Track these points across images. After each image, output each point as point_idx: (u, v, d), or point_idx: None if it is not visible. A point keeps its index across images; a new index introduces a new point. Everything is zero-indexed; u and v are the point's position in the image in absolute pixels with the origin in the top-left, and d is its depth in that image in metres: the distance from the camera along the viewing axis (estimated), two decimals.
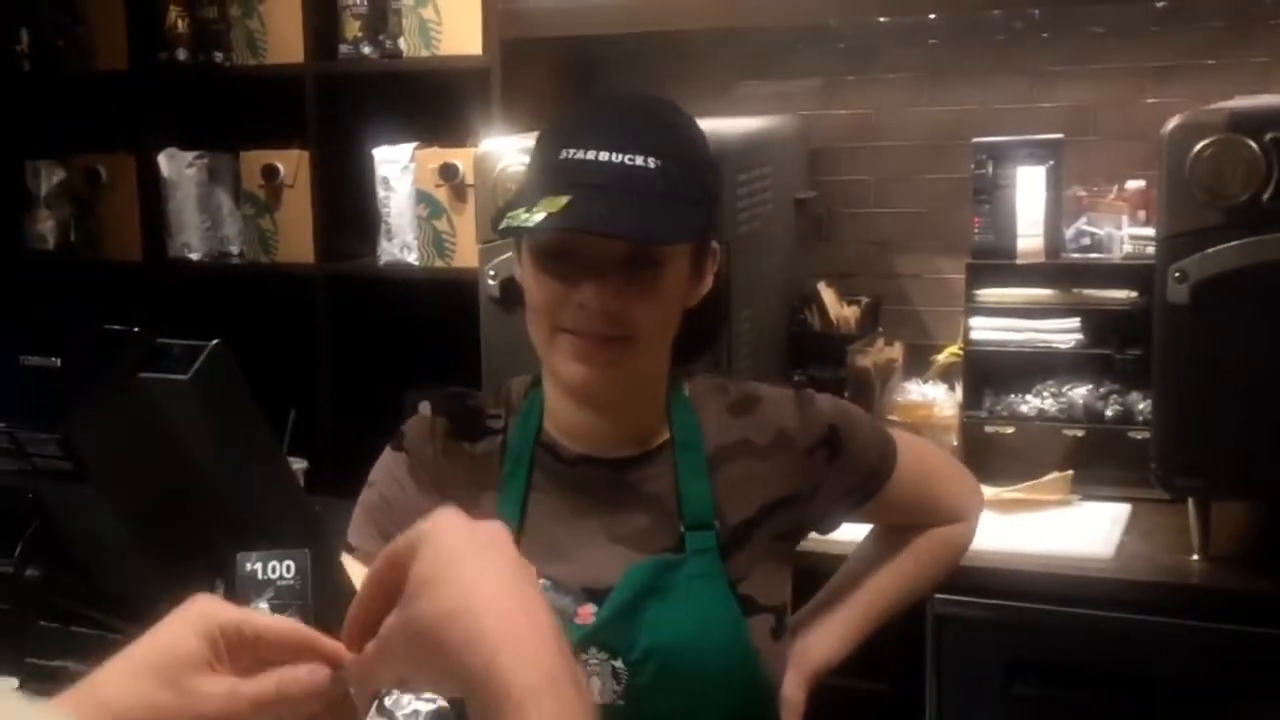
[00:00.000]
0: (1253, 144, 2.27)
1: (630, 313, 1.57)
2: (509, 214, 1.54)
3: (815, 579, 1.90)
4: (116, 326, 1.24)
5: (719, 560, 1.64)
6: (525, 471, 1.68)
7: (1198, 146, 2.30)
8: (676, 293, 1.63)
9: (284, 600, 1.24)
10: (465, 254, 3.15)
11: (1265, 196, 2.28)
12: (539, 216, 1.50)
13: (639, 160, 1.54)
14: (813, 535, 1.79)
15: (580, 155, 1.55)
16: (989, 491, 2.66)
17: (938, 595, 2.44)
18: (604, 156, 1.54)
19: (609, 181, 1.53)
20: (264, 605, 1.22)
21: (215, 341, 1.20)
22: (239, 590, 1.24)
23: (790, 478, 1.70)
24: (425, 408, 1.76)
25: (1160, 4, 2.95)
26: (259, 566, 1.24)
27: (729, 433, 1.70)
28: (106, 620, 1.39)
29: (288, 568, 1.24)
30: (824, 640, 1.82)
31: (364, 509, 1.73)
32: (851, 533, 1.89)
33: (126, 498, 1.27)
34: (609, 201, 1.52)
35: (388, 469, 1.74)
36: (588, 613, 1.61)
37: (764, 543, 1.68)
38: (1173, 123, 2.35)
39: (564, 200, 1.51)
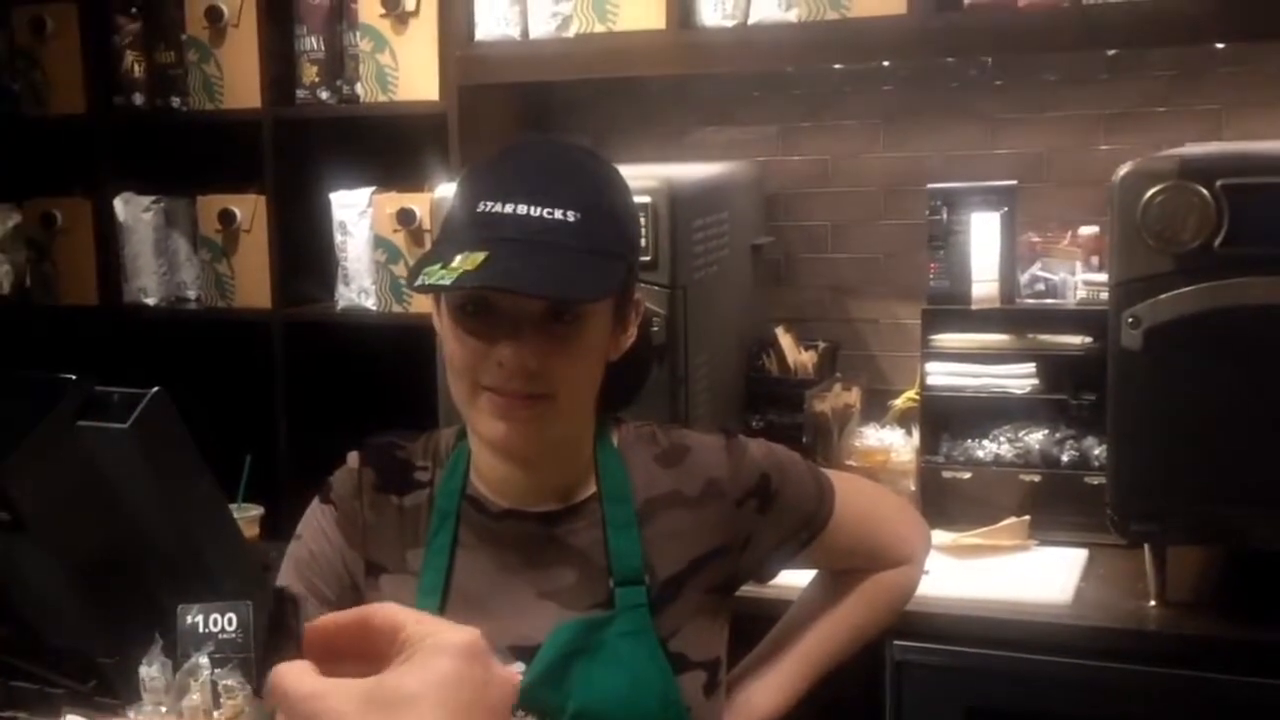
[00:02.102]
0: (1204, 191, 2.29)
1: (551, 370, 1.55)
2: (425, 269, 1.50)
3: (757, 626, 1.88)
4: (57, 374, 1.23)
5: (649, 616, 1.61)
6: (452, 526, 1.65)
7: (1149, 193, 2.31)
8: (598, 347, 1.60)
9: (225, 654, 1.22)
10: (423, 299, 3.14)
11: (1216, 243, 2.29)
12: (456, 274, 1.46)
13: (558, 214, 1.51)
14: (753, 582, 1.78)
15: (498, 209, 1.52)
16: (947, 537, 2.67)
17: (896, 641, 2.44)
18: (522, 210, 1.51)
19: (527, 237, 1.50)
20: (204, 659, 1.21)
21: (155, 389, 1.18)
22: (179, 644, 1.22)
23: (721, 529, 1.68)
24: (353, 459, 1.74)
25: (1112, 52, 2.98)
26: (200, 619, 1.22)
27: (658, 484, 1.68)
28: (47, 674, 1.37)
29: (229, 620, 1.23)
30: (768, 690, 1.80)
31: (291, 561, 1.70)
32: (794, 579, 1.88)
33: (65, 548, 1.26)
34: (527, 258, 1.49)
35: (315, 521, 1.71)
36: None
37: (696, 596, 1.66)
38: (1124, 169, 2.37)
39: (481, 256, 1.47)
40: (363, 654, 0.79)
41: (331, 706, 0.74)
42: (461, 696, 0.75)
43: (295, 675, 0.77)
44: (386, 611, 0.80)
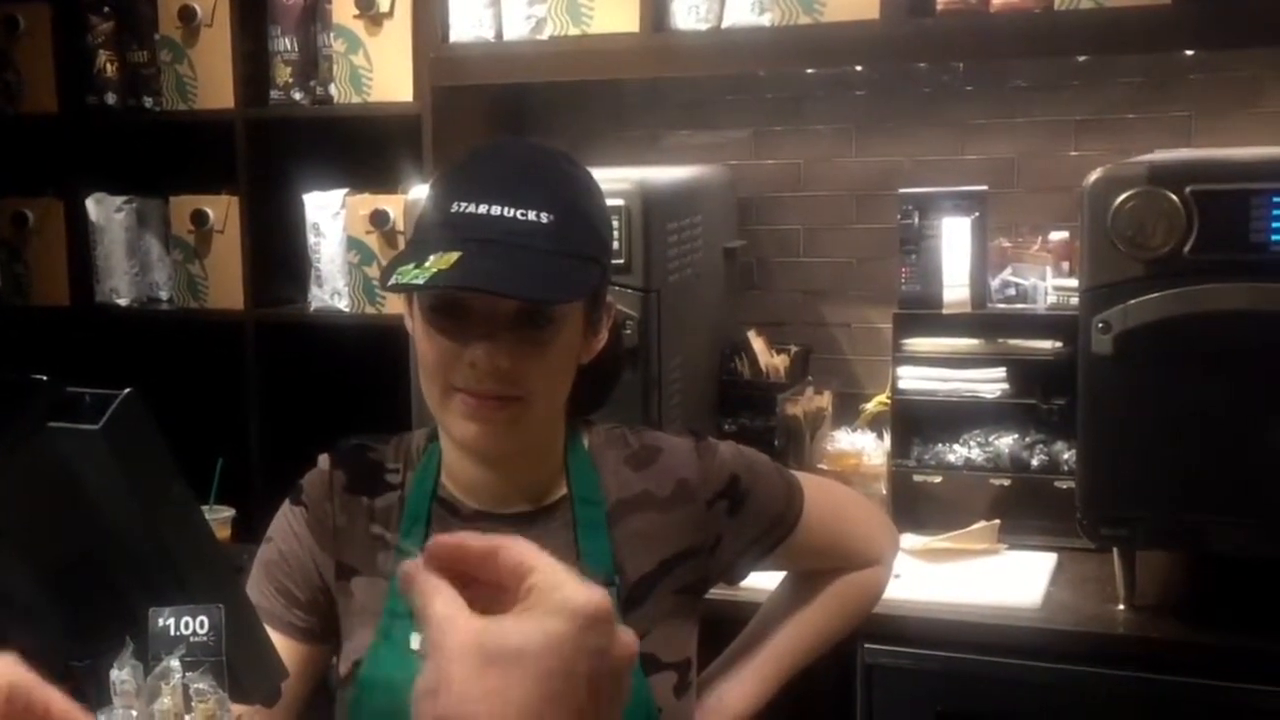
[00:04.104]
0: (1173, 196, 2.30)
1: (523, 371, 1.55)
2: (399, 269, 1.50)
3: (727, 628, 1.89)
4: (28, 374, 1.22)
5: (619, 617, 1.62)
6: (423, 529, 1.65)
7: (1119, 199, 2.33)
8: (570, 350, 1.60)
9: (197, 657, 1.22)
10: (396, 301, 3.13)
11: (1186, 249, 2.31)
12: (429, 273, 1.46)
13: (531, 215, 1.51)
14: (723, 584, 1.78)
15: (471, 209, 1.52)
16: (917, 541, 2.68)
17: (867, 645, 2.45)
18: (496, 211, 1.51)
19: (500, 237, 1.50)
20: (176, 662, 1.20)
21: (127, 390, 1.17)
22: (151, 647, 1.22)
23: (692, 530, 1.68)
24: (324, 461, 1.74)
25: (1082, 59, 3.00)
26: (171, 622, 1.22)
27: (629, 485, 1.68)
28: None
29: (201, 623, 1.22)
30: (739, 690, 1.80)
31: (261, 564, 1.70)
32: (763, 581, 1.89)
33: (36, 552, 1.25)
34: (500, 259, 1.49)
35: (286, 523, 1.71)
36: None
37: (666, 597, 1.67)
38: (1094, 175, 2.38)
39: (454, 256, 1.47)
40: (487, 580, 0.79)
41: (449, 637, 0.74)
42: (570, 663, 0.75)
43: (447, 592, 0.77)
44: (517, 550, 0.79)
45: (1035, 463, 2.78)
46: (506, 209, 1.52)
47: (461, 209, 1.53)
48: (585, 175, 1.64)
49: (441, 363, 1.56)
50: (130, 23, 3.51)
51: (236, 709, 1.28)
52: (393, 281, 1.50)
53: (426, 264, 1.47)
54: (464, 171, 1.61)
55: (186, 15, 3.36)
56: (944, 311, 2.86)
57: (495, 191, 1.53)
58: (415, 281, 1.47)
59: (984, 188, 2.94)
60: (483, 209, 1.52)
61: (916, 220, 2.89)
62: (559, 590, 0.78)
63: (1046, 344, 2.79)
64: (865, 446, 2.99)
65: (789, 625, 1.84)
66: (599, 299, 1.64)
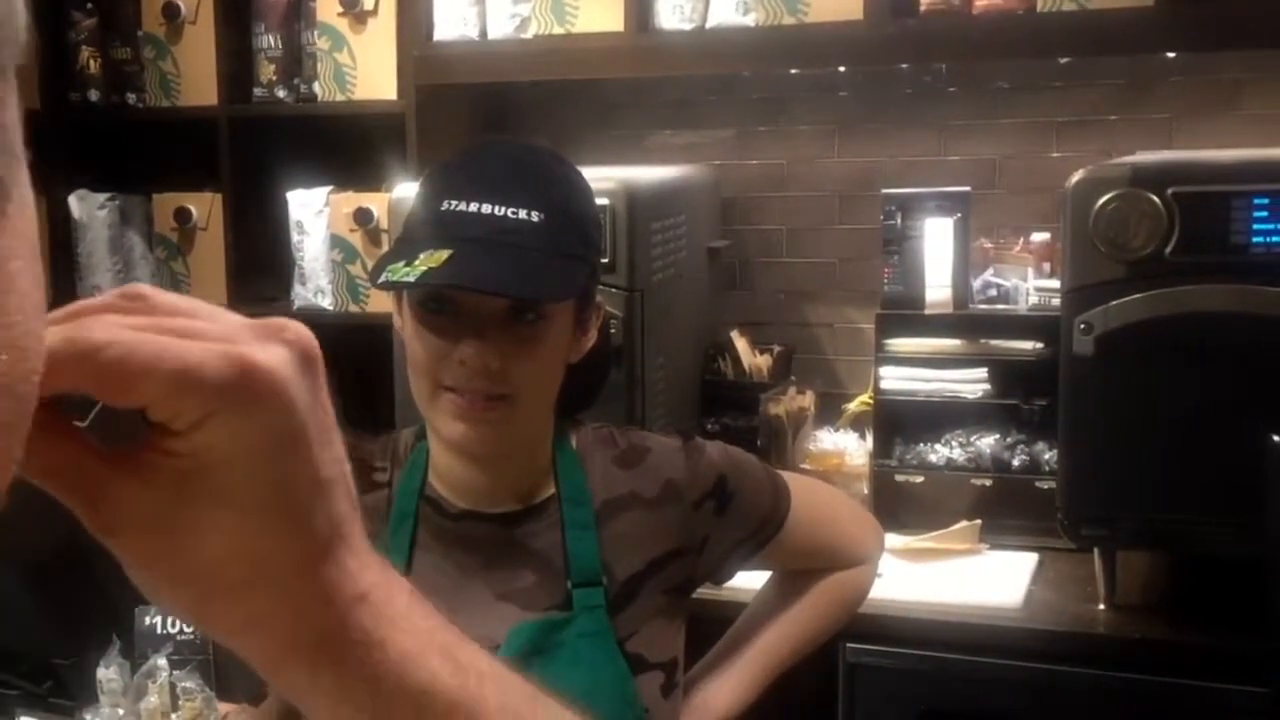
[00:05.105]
0: (1155, 198, 2.32)
1: (512, 370, 1.55)
2: (389, 267, 1.50)
3: (714, 627, 1.89)
4: None
5: (607, 617, 1.62)
6: (410, 527, 1.65)
7: (1101, 200, 2.34)
8: (559, 349, 1.61)
9: (184, 655, 1.22)
10: (379, 299, 3.14)
11: (1167, 250, 2.32)
12: (419, 271, 1.47)
13: (521, 214, 1.52)
14: (710, 584, 1.79)
15: (461, 207, 1.53)
16: (899, 540, 2.69)
17: (849, 644, 2.46)
18: (486, 209, 1.52)
19: (490, 236, 1.51)
20: (162, 660, 1.20)
21: None
22: (137, 645, 1.22)
23: (679, 530, 1.68)
24: None
25: (1064, 61, 3.01)
26: (158, 621, 1.22)
27: (616, 485, 1.68)
28: (1, 676, 1.37)
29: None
30: (725, 690, 1.81)
31: None
32: (750, 580, 1.90)
33: (21, 551, 1.25)
34: (491, 257, 1.49)
35: None
36: None
37: (653, 597, 1.67)
38: (1076, 177, 2.40)
39: (445, 255, 1.48)
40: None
41: None
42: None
43: None
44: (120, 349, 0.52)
45: (1016, 463, 2.79)
46: (497, 207, 1.52)
47: (452, 207, 1.54)
48: (575, 174, 1.65)
49: (431, 361, 1.56)
50: (113, 19, 3.51)
51: (223, 707, 1.29)
52: (383, 279, 1.50)
53: (416, 262, 1.48)
54: (454, 170, 1.62)
55: (170, 12, 3.36)
56: (926, 312, 2.87)
57: (485, 190, 1.53)
58: (406, 279, 1.48)
59: (966, 189, 2.95)
60: (473, 207, 1.53)
61: (899, 221, 2.90)
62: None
63: (1028, 345, 2.80)
64: (847, 446, 3.00)
65: (775, 625, 1.84)
66: (588, 298, 1.65)
